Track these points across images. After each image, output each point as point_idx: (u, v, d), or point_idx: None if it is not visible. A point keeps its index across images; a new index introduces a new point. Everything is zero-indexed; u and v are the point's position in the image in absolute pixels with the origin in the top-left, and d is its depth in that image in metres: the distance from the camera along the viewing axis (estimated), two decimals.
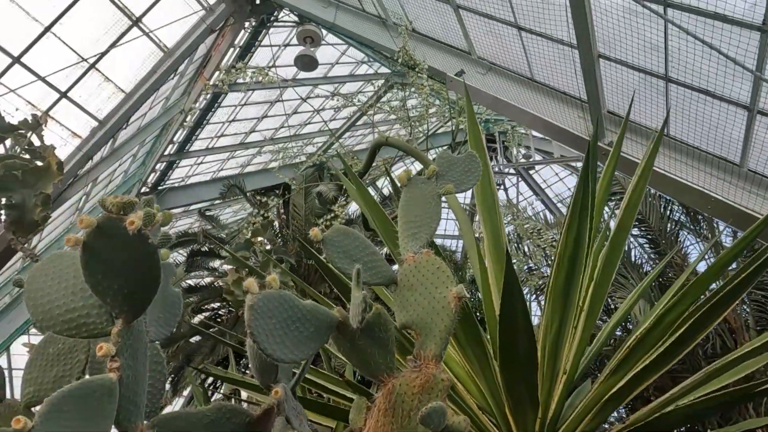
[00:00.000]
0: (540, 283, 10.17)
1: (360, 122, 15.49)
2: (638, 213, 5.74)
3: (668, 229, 9.24)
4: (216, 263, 14.51)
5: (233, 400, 6.53)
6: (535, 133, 14.16)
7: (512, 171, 17.64)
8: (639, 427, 2.61)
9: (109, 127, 9.29)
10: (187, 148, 14.34)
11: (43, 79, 8.08)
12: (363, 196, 3.57)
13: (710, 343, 7.23)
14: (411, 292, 1.49)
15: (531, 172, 20.18)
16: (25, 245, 3.33)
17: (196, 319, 13.53)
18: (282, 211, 13.42)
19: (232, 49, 11.40)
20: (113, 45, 8.55)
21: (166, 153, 13.81)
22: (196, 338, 12.54)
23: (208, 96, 11.71)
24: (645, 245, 10.00)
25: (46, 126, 3.36)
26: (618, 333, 8.25)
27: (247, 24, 10.83)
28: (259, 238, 8.69)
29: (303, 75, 11.86)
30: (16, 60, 7.62)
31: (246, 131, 14.99)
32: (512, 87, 6.76)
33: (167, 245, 1.50)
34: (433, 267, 1.50)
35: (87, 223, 1.07)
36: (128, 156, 11.69)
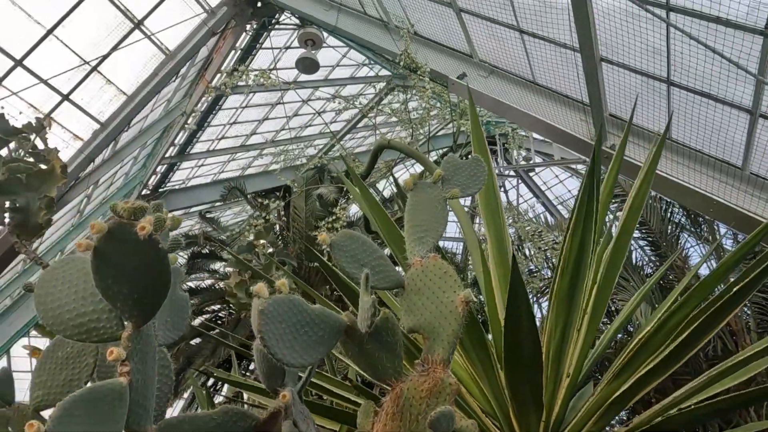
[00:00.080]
0: (541, 285, 10.18)
1: (361, 124, 15.52)
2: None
3: (669, 231, 9.24)
4: (216, 265, 14.53)
5: (236, 402, 6.53)
6: (535, 135, 14.18)
7: (512, 173, 17.65)
8: (643, 430, 2.62)
9: (110, 129, 9.30)
10: (188, 150, 14.36)
11: (45, 82, 8.09)
12: (366, 198, 3.57)
13: (711, 345, 7.22)
14: (418, 296, 1.50)
15: (531, 174, 20.20)
16: (29, 248, 3.33)
17: (197, 321, 13.53)
18: (282, 213, 13.43)
19: (233, 52, 11.42)
20: (115, 48, 8.57)
21: (167, 155, 13.83)
22: (196, 340, 12.53)
23: (210, 99, 11.73)
24: (645, 247, 10.00)
25: (50, 129, 3.37)
26: (619, 336, 8.24)
27: (248, 27, 10.86)
28: (261, 241, 8.71)
29: (304, 77, 11.89)
30: (18, 63, 7.63)
31: (247, 133, 15.01)
32: (514, 90, 6.77)
33: (177, 249, 1.50)
34: (440, 271, 1.51)
35: (98, 229, 1.08)
36: (129, 158, 11.70)
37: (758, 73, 4.02)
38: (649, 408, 2.91)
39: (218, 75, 10.97)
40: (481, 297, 5.11)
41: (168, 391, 1.48)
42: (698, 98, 4.73)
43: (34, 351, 2.61)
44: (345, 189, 11.47)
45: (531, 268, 11.24)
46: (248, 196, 14.26)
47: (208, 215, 15.72)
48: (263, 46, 11.59)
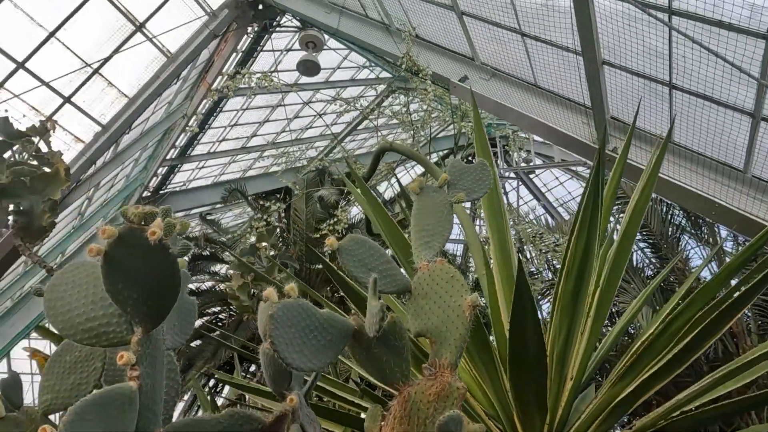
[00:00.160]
0: (542, 287, 10.18)
1: (361, 126, 15.53)
2: None
3: (669, 233, 9.25)
4: (217, 267, 14.54)
5: (239, 405, 6.53)
6: (535, 137, 14.20)
7: (512, 175, 17.67)
8: None
9: (112, 131, 9.32)
10: (188, 152, 14.37)
11: (47, 84, 8.11)
12: (369, 199, 3.58)
13: (712, 347, 7.22)
14: (425, 300, 1.50)
15: (531, 176, 20.23)
16: (33, 251, 3.34)
17: (197, 323, 13.50)
18: (283, 215, 13.44)
19: (234, 54, 11.44)
20: (117, 50, 8.58)
21: (167, 157, 13.84)
22: (196, 342, 12.53)
23: (211, 101, 11.75)
24: (646, 249, 10.01)
25: (54, 132, 3.38)
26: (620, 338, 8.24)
27: (249, 29, 10.88)
28: (264, 244, 8.72)
29: (305, 79, 11.91)
30: (21, 65, 7.65)
31: (248, 135, 15.02)
32: (515, 93, 6.78)
33: (186, 254, 1.51)
34: (447, 276, 1.51)
35: (109, 234, 1.08)
36: (130, 161, 11.71)
37: (760, 76, 4.03)
38: (650, 410, 2.91)
39: (220, 77, 10.99)
40: (482, 299, 5.11)
41: (175, 395, 1.48)
42: (700, 101, 4.74)
43: (34, 353, 2.61)
44: (345, 191, 11.49)
45: (532, 270, 11.26)
46: (249, 198, 14.27)
47: (209, 217, 15.72)
48: (264, 48, 11.61)
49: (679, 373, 2.67)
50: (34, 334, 12.22)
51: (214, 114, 12.85)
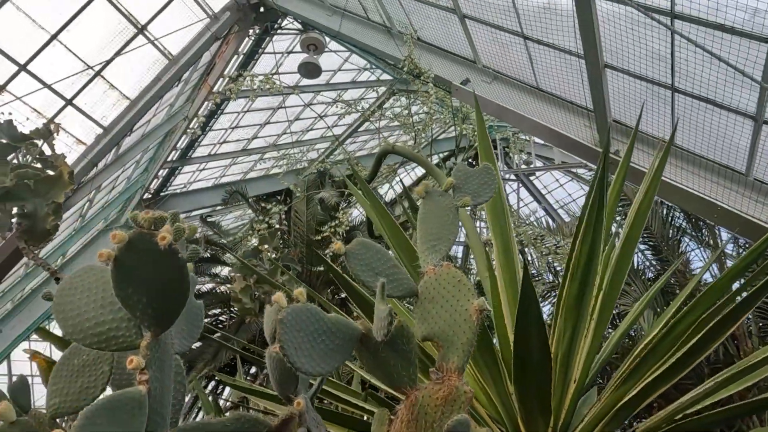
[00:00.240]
0: (543, 290, 10.18)
1: (362, 128, 15.54)
2: None
3: (670, 235, 9.25)
4: (217, 269, 14.55)
5: (243, 407, 6.54)
6: (536, 139, 14.20)
7: (513, 177, 17.68)
8: None
9: (113, 134, 9.33)
10: (189, 154, 14.38)
11: (49, 87, 8.12)
12: (371, 201, 3.58)
13: (713, 350, 7.21)
14: (432, 304, 1.50)
15: (532, 177, 20.24)
16: (36, 254, 3.34)
17: None
18: (284, 217, 13.46)
19: (236, 57, 11.46)
20: (119, 52, 8.59)
21: (168, 159, 13.85)
22: (197, 344, 12.53)
23: (212, 103, 11.76)
24: (647, 251, 10.01)
25: (57, 135, 3.39)
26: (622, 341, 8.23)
27: (251, 32, 10.89)
28: (266, 246, 8.72)
29: (306, 82, 11.92)
30: (22, 68, 7.66)
31: (248, 137, 15.03)
32: (517, 95, 6.79)
33: (195, 258, 1.51)
34: (454, 280, 1.52)
35: (119, 239, 1.09)
36: (132, 162, 11.73)
37: (762, 80, 4.04)
38: (652, 413, 2.91)
39: (221, 80, 11.01)
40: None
41: (181, 399, 1.49)
42: (702, 104, 4.75)
43: (34, 355, 2.61)
44: (346, 193, 11.49)
45: (533, 272, 11.25)
46: (250, 200, 14.28)
47: (210, 219, 15.74)
48: (266, 50, 11.62)
49: (682, 376, 2.67)
50: (34, 336, 12.23)
51: (215, 116, 12.86)
